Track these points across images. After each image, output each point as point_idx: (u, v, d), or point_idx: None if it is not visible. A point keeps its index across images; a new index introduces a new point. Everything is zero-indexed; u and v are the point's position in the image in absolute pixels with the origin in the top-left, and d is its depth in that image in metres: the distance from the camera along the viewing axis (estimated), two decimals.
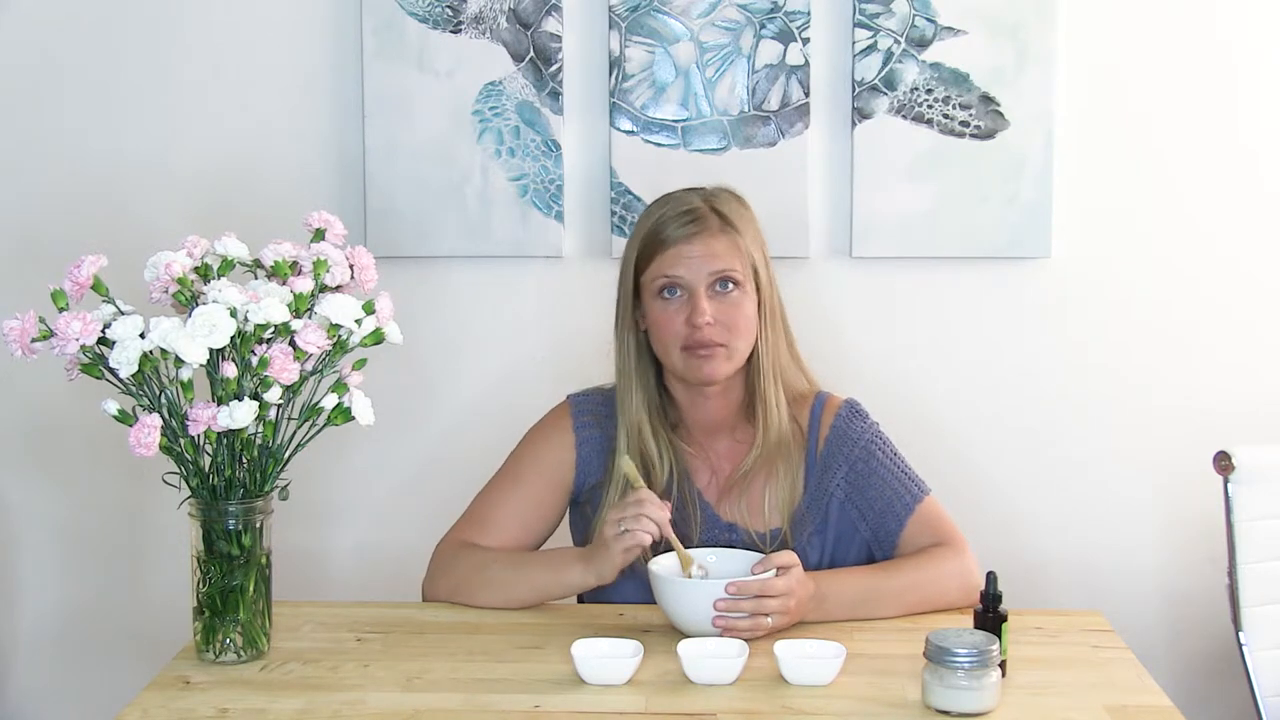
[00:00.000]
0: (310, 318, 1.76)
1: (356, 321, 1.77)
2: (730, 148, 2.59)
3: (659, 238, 1.98)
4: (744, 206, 2.04)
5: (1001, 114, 2.56)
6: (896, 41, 2.56)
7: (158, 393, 1.73)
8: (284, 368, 1.70)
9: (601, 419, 2.07)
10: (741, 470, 2.02)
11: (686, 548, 1.92)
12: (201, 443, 1.74)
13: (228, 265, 1.79)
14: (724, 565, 1.89)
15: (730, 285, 1.96)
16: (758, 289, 1.99)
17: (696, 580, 1.82)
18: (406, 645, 1.84)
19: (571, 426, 2.07)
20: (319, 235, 1.85)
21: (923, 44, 2.56)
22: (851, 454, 2.03)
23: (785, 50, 2.58)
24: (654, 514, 1.84)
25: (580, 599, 2.11)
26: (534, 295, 2.66)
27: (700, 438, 2.06)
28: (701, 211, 1.98)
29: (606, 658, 1.70)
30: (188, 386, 1.72)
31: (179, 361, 1.70)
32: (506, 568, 1.98)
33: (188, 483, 1.76)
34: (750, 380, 2.03)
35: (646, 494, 1.87)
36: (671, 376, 2.04)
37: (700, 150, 2.59)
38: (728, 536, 2.01)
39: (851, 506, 2.02)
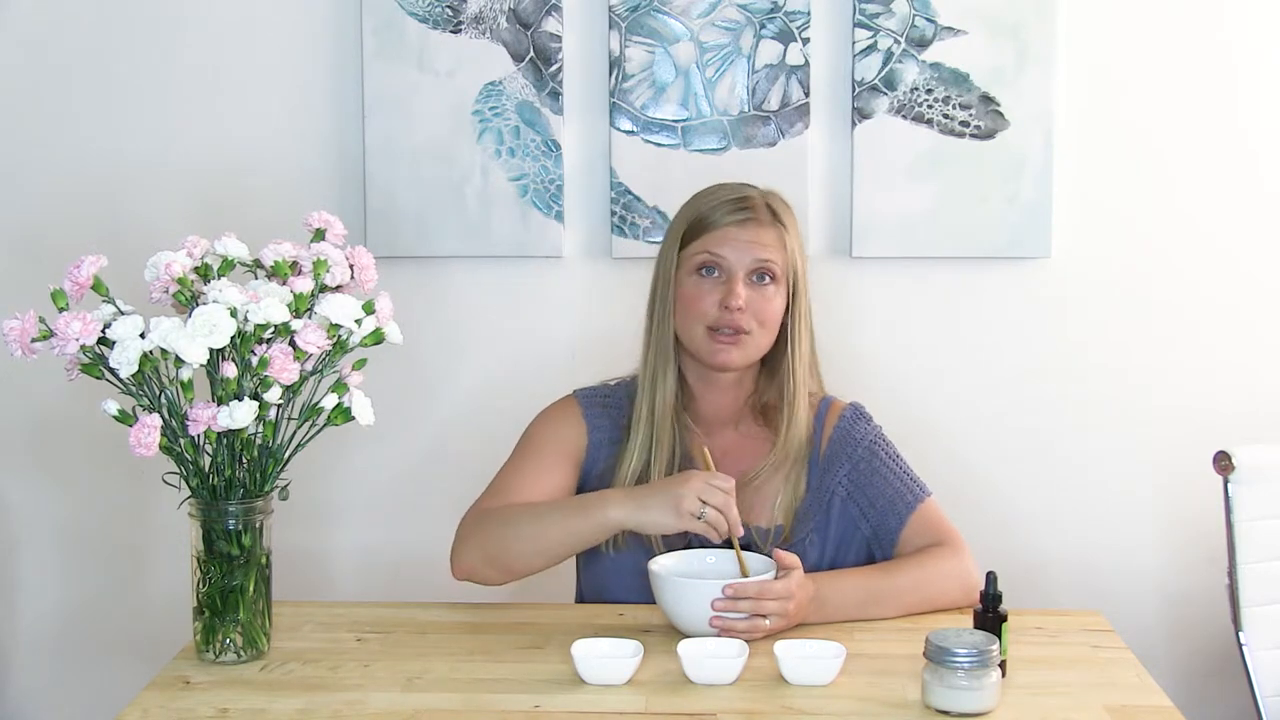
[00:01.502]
0: (310, 318, 1.76)
1: (356, 321, 1.77)
2: (730, 148, 2.59)
3: (710, 219, 2.00)
4: (791, 212, 2.06)
5: (1001, 114, 2.56)
6: (896, 41, 2.56)
7: (158, 393, 1.73)
8: (284, 368, 1.70)
9: (610, 409, 2.07)
10: (757, 473, 2.02)
11: (684, 535, 1.92)
12: (201, 443, 1.74)
13: (228, 265, 1.79)
14: (725, 566, 1.89)
15: (768, 278, 1.98)
16: (794, 291, 2.01)
17: (695, 580, 1.82)
18: (406, 645, 1.84)
19: (582, 415, 2.07)
20: (319, 235, 1.85)
21: (923, 44, 2.56)
22: (855, 453, 2.04)
23: (785, 50, 2.58)
24: (733, 515, 1.82)
25: (580, 599, 2.11)
26: (534, 295, 2.66)
27: (708, 426, 2.07)
28: (755, 201, 2.01)
29: (606, 658, 1.70)
30: (188, 386, 1.72)
31: (179, 361, 1.70)
32: (533, 518, 1.93)
33: (188, 483, 1.76)
34: (768, 379, 2.05)
35: (732, 486, 1.83)
36: (686, 362, 2.05)
37: (700, 150, 2.59)
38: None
39: (853, 504, 2.03)
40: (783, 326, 2.02)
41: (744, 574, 1.85)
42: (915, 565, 1.97)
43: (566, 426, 2.07)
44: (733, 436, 2.07)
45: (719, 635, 1.77)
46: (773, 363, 2.05)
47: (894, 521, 2.01)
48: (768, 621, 1.78)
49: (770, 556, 1.86)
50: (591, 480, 2.06)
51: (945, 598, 1.95)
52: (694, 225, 2.01)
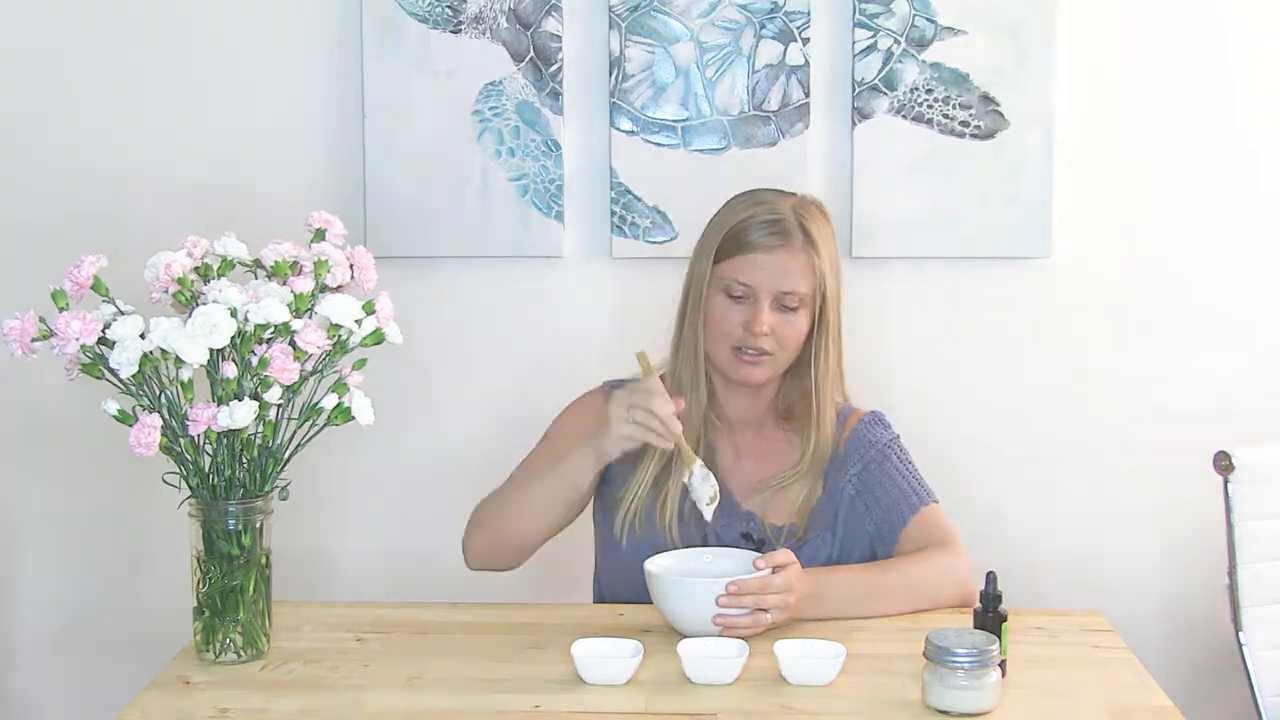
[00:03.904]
0: (310, 318, 1.76)
1: (356, 321, 1.77)
2: (730, 148, 2.59)
3: (743, 239, 2.00)
4: (827, 222, 2.06)
5: (1001, 114, 2.56)
6: (896, 41, 2.56)
7: (158, 393, 1.73)
8: (284, 368, 1.70)
9: None
10: (781, 478, 2.06)
11: (703, 533, 1.95)
12: (201, 443, 1.74)
13: (228, 265, 1.80)
14: (720, 564, 1.89)
15: (794, 304, 2.00)
16: (824, 307, 2.03)
17: (695, 580, 1.82)
18: (406, 645, 1.84)
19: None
20: (319, 235, 1.85)
21: (923, 44, 2.56)
22: (868, 454, 2.07)
23: (785, 50, 2.58)
24: (660, 410, 1.88)
25: (600, 599, 2.12)
26: (534, 295, 2.66)
27: (731, 426, 2.09)
28: (788, 225, 2.00)
29: (606, 658, 1.70)
30: (188, 386, 1.73)
31: (179, 361, 1.70)
32: (516, 486, 2.03)
33: (188, 483, 1.76)
34: (792, 386, 2.08)
35: (657, 385, 1.91)
36: (710, 364, 2.08)
37: (700, 150, 2.59)
38: (745, 525, 2.03)
39: (860, 502, 2.05)
40: (809, 340, 2.04)
41: (685, 464, 1.90)
42: (910, 563, 1.99)
43: (589, 416, 2.08)
44: (754, 438, 2.10)
45: (720, 633, 1.77)
46: (796, 370, 2.07)
47: (896, 520, 2.03)
48: (769, 616, 1.79)
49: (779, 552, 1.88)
50: (613, 467, 2.06)
51: (940, 594, 1.96)
52: (727, 242, 2.02)
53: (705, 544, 1.99)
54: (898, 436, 2.12)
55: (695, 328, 2.05)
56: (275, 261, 1.78)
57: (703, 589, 1.79)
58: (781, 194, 2.06)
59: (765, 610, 1.79)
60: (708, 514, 1.91)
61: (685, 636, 1.77)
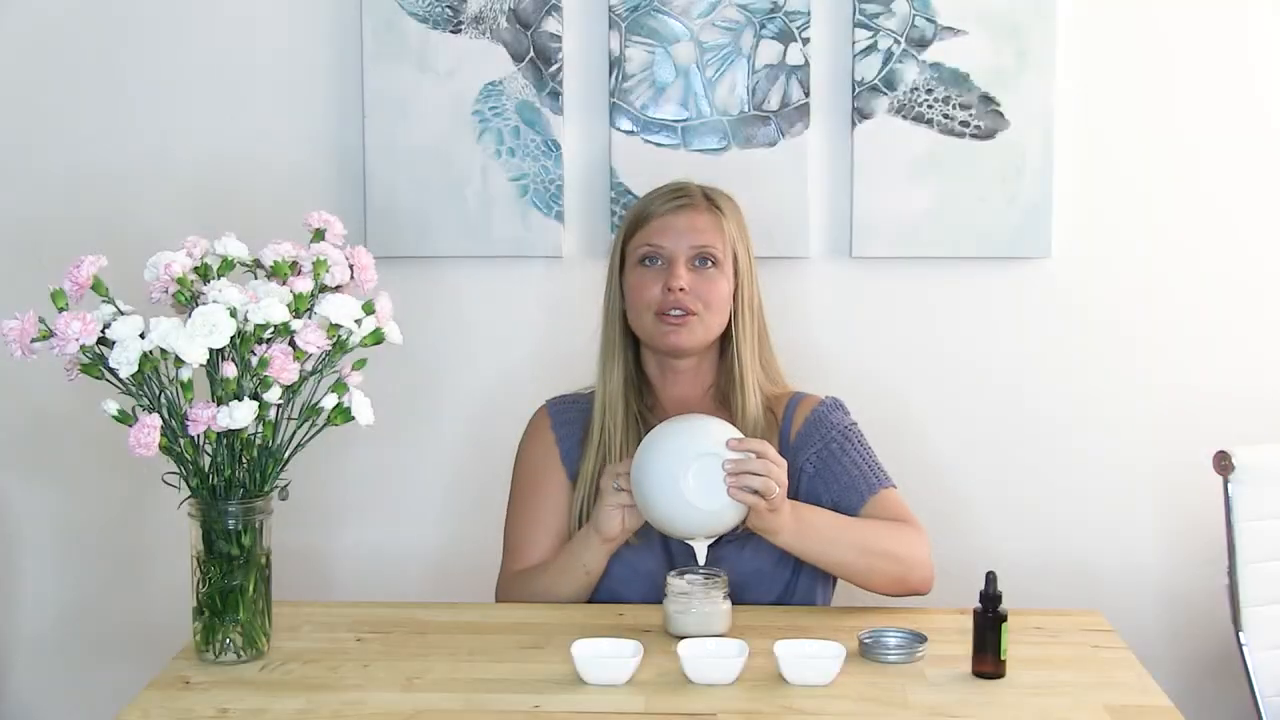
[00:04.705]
0: (310, 318, 1.76)
1: (356, 321, 1.77)
2: (730, 148, 2.59)
3: (646, 211, 2.08)
4: (733, 201, 2.12)
5: (1001, 114, 2.56)
6: (896, 41, 2.56)
7: (158, 393, 1.73)
8: (284, 368, 1.70)
9: (581, 413, 2.11)
10: None
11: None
12: (201, 443, 1.74)
13: (228, 265, 1.79)
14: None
15: (709, 263, 2.04)
16: (736, 274, 2.06)
17: (702, 451, 1.83)
18: (406, 645, 1.84)
19: (550, 426, 2.12)
20: (319, 235, 1.85)
21: (923, 44, 2.56)
22: (827, 435, 2.06)
23: (785, 50, 2.58)
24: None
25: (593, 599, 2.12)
26: (534, 295, 2.66)
27: (668, 411, 2.08)
28: (690, 190, 2.09)
29: (606, 658, 1.70)
30: (188, 386, 1.72)
31: (179, 361, 1.70)
32: (545, 582, 2.02)
33: (188, 483, 1.76)
34: (724, 367, 2.09)
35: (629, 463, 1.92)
36: (647, 354, 2.10)
37: (700, 150, 2.59)
38: None
39: (819, 480, 2.04)
40: (732, 317, 2.06)
41: None
42: (879, 524, 1.98)
43: (540, 448, 2.12)
44: None
45: (733, 493, 1.80)
46: (725, 351, 2.09)
47: (854, 498, 2.01)
48: (777, 490, 1.82)
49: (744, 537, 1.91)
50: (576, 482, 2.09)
51: (906, 563, 1.94)
52: (634, 220, 2.09)
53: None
54: (856, 423, 2.11)
55: (612, 316, 2.08)
56: (275, 261, 1.78)
57: (711, 449, 1.82)
58: (687, 180, 2.12)
59: (768, 478, 1.81)
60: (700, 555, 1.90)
61: (687, 632, 1.77)
